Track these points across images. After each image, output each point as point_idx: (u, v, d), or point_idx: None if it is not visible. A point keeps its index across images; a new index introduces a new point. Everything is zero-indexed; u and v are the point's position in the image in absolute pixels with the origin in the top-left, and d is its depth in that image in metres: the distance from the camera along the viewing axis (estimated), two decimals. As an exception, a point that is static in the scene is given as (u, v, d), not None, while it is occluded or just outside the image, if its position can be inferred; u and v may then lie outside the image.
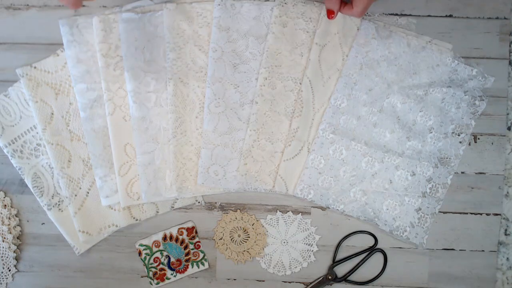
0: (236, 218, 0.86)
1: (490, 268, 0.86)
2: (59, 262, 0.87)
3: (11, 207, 0.87)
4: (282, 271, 0.86)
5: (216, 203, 0.87)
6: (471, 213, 0.86)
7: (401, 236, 0.84)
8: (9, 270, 0.86)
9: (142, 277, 0.87)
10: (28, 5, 0.87)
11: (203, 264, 0.86)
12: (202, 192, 0.85)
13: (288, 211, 0.86)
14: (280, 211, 0.86)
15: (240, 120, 0.84)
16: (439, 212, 0.85)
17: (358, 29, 0.84)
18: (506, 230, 0.86)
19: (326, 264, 0.86)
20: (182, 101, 0.84)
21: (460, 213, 0.86)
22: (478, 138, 0.86)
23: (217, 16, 0.84)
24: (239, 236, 0.86)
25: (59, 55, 0.86)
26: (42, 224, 0.87)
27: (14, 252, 0.86)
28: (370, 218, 0.84)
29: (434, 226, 0.85)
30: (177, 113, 0.83)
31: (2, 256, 0.86)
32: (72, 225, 0.84)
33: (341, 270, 0.86)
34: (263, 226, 0.86)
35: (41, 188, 0.85)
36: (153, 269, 0.85)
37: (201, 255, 0.86)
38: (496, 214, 0.86)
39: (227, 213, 0.86)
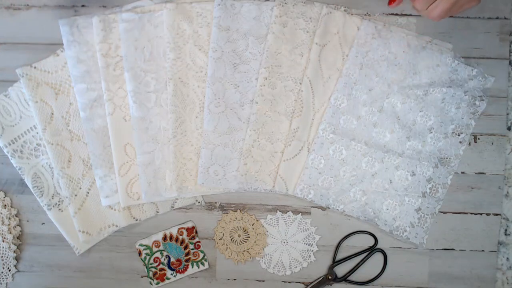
0: (236, 218, 0.86)
1: (490, 268, 0.86)
2: (59, 262, 0.87)
3: (11, 207, 0.87)
4: (282, 271, 0.86)
5: (216, 203, 0.87)
6: (471, 213, 0.86)
7: (401, 236, 0.84)
8: (9, 270, 0.86)
9: (142, 277, 0.87)
10: (28, 5, 0.87)
11: (203, 264, 0.86)
12: (202, 192, 0.85)
13: (288, 211, 0.86)
14: (280, 211, 0.86)
15: (240, 120, 0.84)
16: (439, 212, 0.85)
17: (358, 29, 0.84)
18: (506, 230, 0.86)
19: (326, 264, 0.86)
20: (182, 101, 0.84)
21: (460, 213, 0.86)
22: (478, 138, 0.86)
23: (217, 16, 0.84)
24: (239, 236, 0.86)
25: (59, 55, 0.86)
26: (42, 224, 0.87)
27: (14, 252, 0.86)
28: (370, 218, 0.84)
29: (434, 226, 0.85)
30: (177, 113, 0.83)
31: (2, 256, 0.86)
32: (72, 225, 0.84)
33: (341, 270, 0.86)
34: (263, 226, 0.86)
35: (41, 188, 0.85)
36: (153, 269, 0.85)
37: (201, 255, 0.86)
38: (496, 214, 0.86)
39: (227, 213, 0.86)
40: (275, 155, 0.84)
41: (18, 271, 0.87)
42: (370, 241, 0.86)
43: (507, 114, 0.86)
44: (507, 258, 0.87)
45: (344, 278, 0.85)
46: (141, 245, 0.85)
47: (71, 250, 0.85)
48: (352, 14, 0.85)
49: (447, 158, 0.84)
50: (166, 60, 0.84)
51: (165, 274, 0.86)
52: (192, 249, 0.86)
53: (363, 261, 0.85)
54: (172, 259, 0.86)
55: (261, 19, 0.84)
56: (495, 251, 0.86)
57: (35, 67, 0.85)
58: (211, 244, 0.87)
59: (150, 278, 0.86)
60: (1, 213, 0.85)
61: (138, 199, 0.84)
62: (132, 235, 0.86)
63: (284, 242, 0.86)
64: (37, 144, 0.85)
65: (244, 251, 0.86)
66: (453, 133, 0.84)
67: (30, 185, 0.85)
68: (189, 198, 0.86)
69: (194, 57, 0.85)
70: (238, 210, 0.86)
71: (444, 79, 0.84)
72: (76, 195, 0.84)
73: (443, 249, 0.86)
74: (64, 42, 0.84)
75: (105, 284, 0.87)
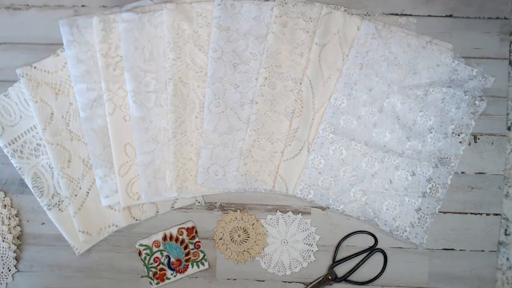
0: (236, 218, 0.86)
1: (490, 268, 0.86)
2: (59, 262, 0.87)
3: (11, 207, 0.87)
4: (282, 271, 0.86)
5: (216, 203, 0.87)
6: (471, 213, 0.86)
7: (401, 236, 0.84)
8: (9, 270, 0.86)
9: (142, 277, 0.87)
10: (28, 5, 0.87)
11: (203, 264, 0.86)
12: (202, 192, 0.85)
13: (288, 211, 0.86)
14: (280, 211, 0.86)
15: (240, 120, 0.84)
16: (439, 212, 0.85)
17: (358, 29, 0.84)
18: (506, 230, 0.86)
19: (326, 264, 0.86)
20: (182, 101, 0.84)
21: (460, 213, 0.86)
22: (478, 138, 0.86)
23: (217, 16, 0.84)
24: (239, 236, 0.86)
25: (59, 55, 0.86)
26: (42, 224, 0.87)
27: (14, 252, 0.86)
28: (370, 218, 0.84)
29: (434, 226, 0.85)
30: (177, 113, 0.83)
31: (2, 256, 0.86)
32: (72, 225, 0.84)
33: (341, 270, 0.86)
34: (263, 226, 0.86)
35: (41, 188, 0.85)
36: (153, 269, 0.85)
37: (201, 255, 0.86)
38: (496, 214, 0.86)
39: (227, 213, 0.86)
40: (275, 155, 0.84)
41: (18, 271, 0.87)
42: (370, 241, 0.86)
43: (507, 114, 0.86)
44: (507, 258, 0.87)
45: (344, 278, 0.85)
46: (141, 245, 0.85)
47: (71, 250, 0.86)
48: (352, 14, 0.85)
49: (447, 158, 0.84)
50: (166, 60, 0.84)
51: (165, 274, 0.86)
52: (192, 249, 0.86)
53: (363, 261, 0.85)
54: (172, 259, 0.86)
55: (261, 19, 0.84)
56: (495, 251, 0.86)
57: (35, 67, 0.85)
58: (211, 244, 0.87)
59: (150, 278, 0.86)
60: (1, 213, 0.85)
61: (138, 199, 0.84)
62: (132, 235, 0.86)
63: (284, 242, 0.86)
64: (37, 144, 0.85)
65: (244, 251, 0.86)
66: (453, 133, 0.84)
67: (30, 185, 0.85)
68: (189, 198, 0.86)
69: (194, 57, 0.85)
70: (238, 210, 0.86)
71: (444, 79, 0.84)
72: (76, 195, 0.84)
73: (443, 249, 0.86)
74: (64, 42, 0.84)
75: (105, 284, 0.87)
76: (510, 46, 0.86)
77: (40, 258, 0.87)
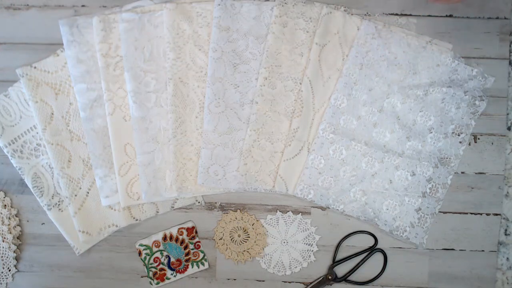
0: (236, 218, 0.86)
1: (490, 268, 0.86)
2: (59, 262, 0.87)
3: (11, 207, 0.87)
4: (282, 271, 0.86)
5: (216, 203, 0.87)
6: (471, 213, 0.86)
7: (401, 236, 0.84)
8: (9, 270, 0.86)
9: (142, 277, 0.87)
10: (28, 5, 0.87)
11: (203, 264, 0.86)
12: (202, 192, 0.85)
13: (288, 211, 0.86)
14: (280, 211, 0.86)
15: (240, 120, 0.84)
16: (439, 212, 0.85)
17: (358, 29, 0.84)
18: (506, 230, 0.86)
19: (326, 264, 0.86)
20: (182, 101, 0.84)
21: (460, 213, 0.86)
22: (478, 138, 0.86)
23: (217, 16, 0.84)
24: (239, 236, 0.86)
25: (59, 55, 0.86)
26: (42, 224, 0.87)
27: (14, 252, 0.86)
28: (370, 218, 0.84)
29: (434, 226, 0.85)
30: (177, 113, 0.83)
31: (2, 256, 0.86)
32: (72, 225, 0.84)
33: (341, 270, 0.86)
34: (263, 226, 0.86)
35: (41, 188, 0.85)
36: (153, 269, 0.85)
37: (201, 255, 0.86)
38: (496, 214, 0.86)
39: (227, 213, 0.86)
40: (275, 155, 0.84)
41: (18, 271, 0.87)
42: (370, 241, 0.86)
43: (507, 114, 0.86)
44: (507, 258, 0.87)
45: (344, 278, 0.85)
46: (141, 245, 0.85)
47: (71, 250, 0.85)
48: (352, 14, 0.85)
49: (447, 158, 0.84)
50: (166, 60, 0.84)
51: (165, 274, 0.86)
52: (192, 249, 0.86)
53: (363, 261, 0.85)
54: (172, 259, 0.86)
55: (261, 19, 0.84)
56: (495, 251, 0.86)
57: (35, 67, 0.85)
58: (211, 244, 0.87)
59: (150, 278, 0.86)
60: (1, 213, 0.85)
61: (138, 199, 0.84)
62: (132, 235, 0.86)
63: (284, 242, 0.86)
64: (37, 144, 0.85)
65: (244, 251, 0.86)
66: (453, 133, 0.84)
67: (30, 185, 0.85)
68: (189, 198, 0.86)
69: (194, 57, 0.85)
70: (238, 210, 0.86)
71: (444, 79, 0.84)
72: (76, 195, 0.84)
73: (443, 249, 0.86)
74: (64, 42, 0.84)
75: (105, 284, 0.87)
76: (510, 46, 0.86)
77: (40, 258, 0.87)
